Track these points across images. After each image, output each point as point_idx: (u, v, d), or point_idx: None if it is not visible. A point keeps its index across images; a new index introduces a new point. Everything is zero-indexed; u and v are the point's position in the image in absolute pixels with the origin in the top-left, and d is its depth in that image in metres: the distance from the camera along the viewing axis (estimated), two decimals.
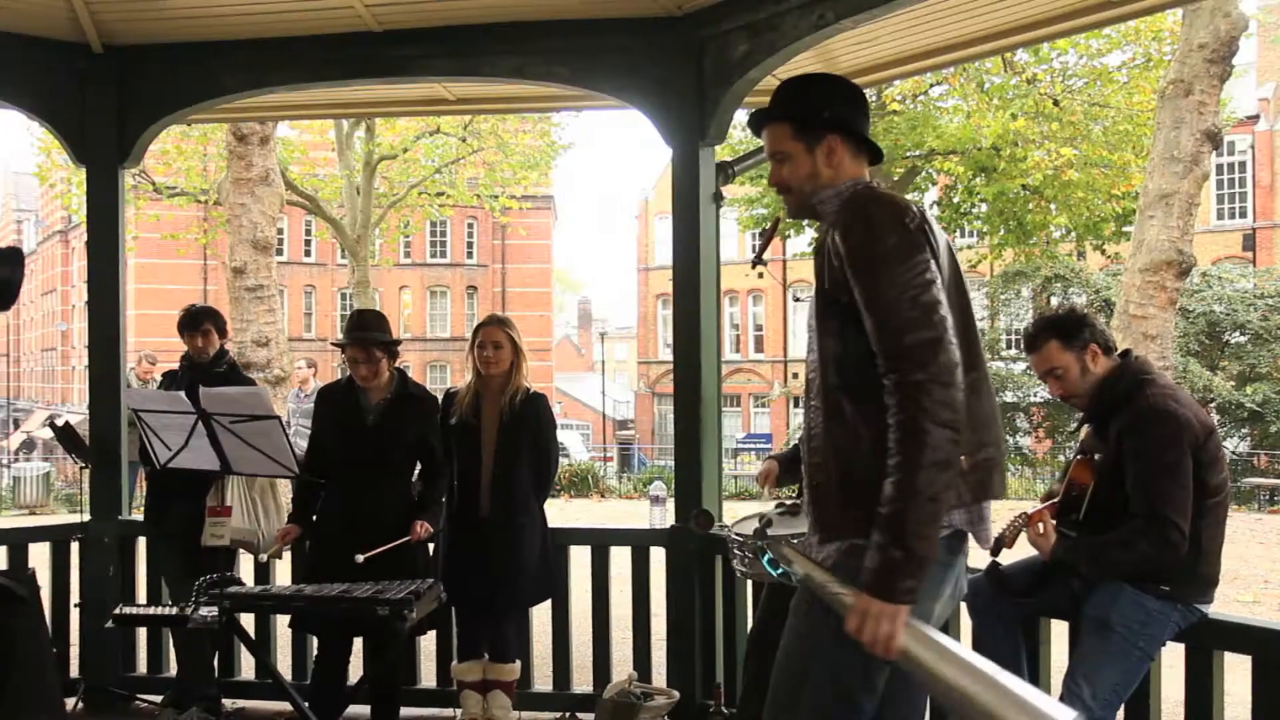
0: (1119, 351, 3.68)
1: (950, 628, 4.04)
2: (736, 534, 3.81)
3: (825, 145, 2.56)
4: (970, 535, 2.48)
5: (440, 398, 4.80)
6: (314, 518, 4.72)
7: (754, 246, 41.91)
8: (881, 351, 2.29)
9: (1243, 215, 33.24)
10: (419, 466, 4.73)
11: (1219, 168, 32.43)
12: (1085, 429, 3.79)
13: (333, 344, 4.69)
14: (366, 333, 4.55)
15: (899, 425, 2.24)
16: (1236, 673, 3.53)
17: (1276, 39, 28.06)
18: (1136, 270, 11.78)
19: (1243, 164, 33.30)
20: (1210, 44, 11.46)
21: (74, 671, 5.34)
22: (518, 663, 4.81)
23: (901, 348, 2.26)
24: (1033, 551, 3.73)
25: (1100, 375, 3.61)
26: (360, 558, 4.24)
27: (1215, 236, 32.27)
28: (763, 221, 23.54)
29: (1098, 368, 3.62)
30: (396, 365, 4.69)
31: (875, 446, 2.32)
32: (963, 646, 2.39)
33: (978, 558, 3.96)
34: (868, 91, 19.17)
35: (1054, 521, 3.64)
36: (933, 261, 2.33)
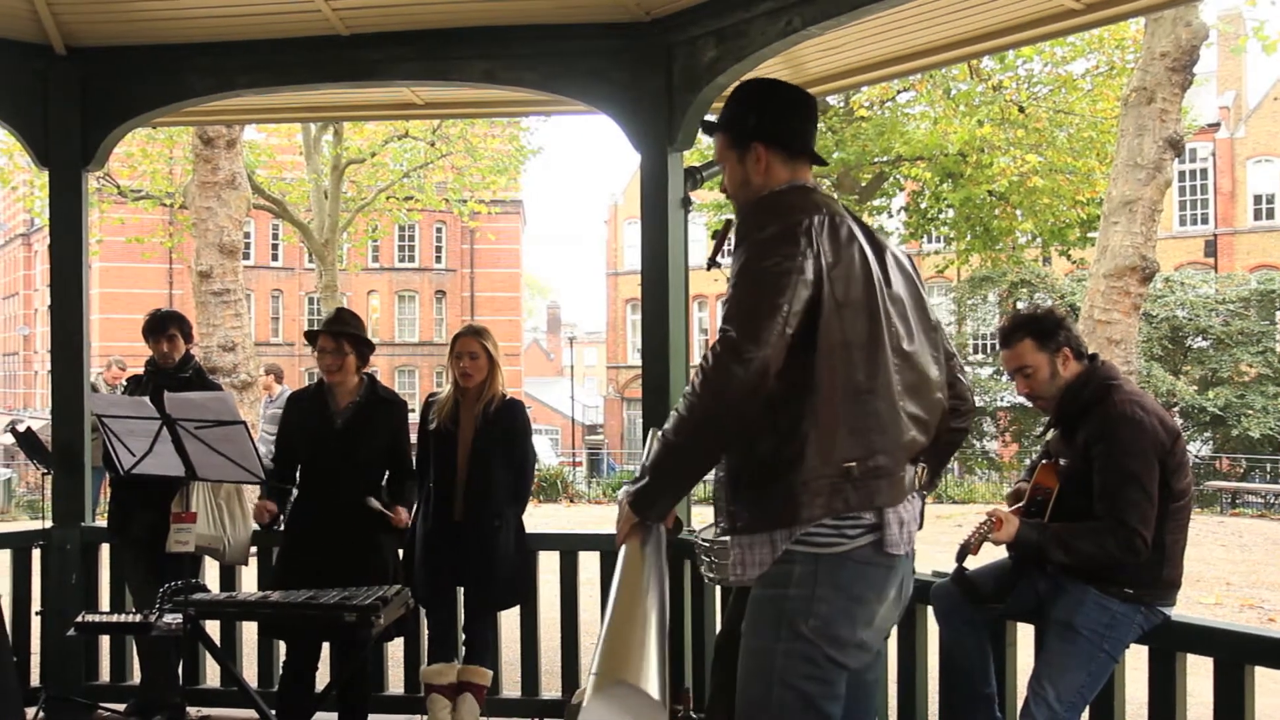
0: (1087, 356, 3.72)
1: (915, 631, 4.08)
2: (703, 539, 3.81)
3: (753, 154, 2.65)
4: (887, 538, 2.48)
5: (410, 402, 4.82)
6: (282, 519, 4.71)
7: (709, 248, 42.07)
8: (721, 316, 2.43)
9: (1204, 221, 33.70)
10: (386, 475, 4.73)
11: (1181, 174, 32.90)
12: (1051, 433, 3.82)
13: (305, 334, 4.69)
14: (340, 325, 4.59)
15: (697, 371, 2.40)
16: (1199, 674, 3.57)
17: (1236, 49, 28.45)
18: (1101, 275, 11.91)
19: (1204, 171, 33.78)
20: (1172, 53, 11.61)
21: (35, 680, 5.27)
22: (491, 672, 4.81)
23: (730, 316, 2.38)
24: (999, 555, 3.76)
25: (1067, 379, 3.65)
26: (372, 501, 4.49)
27: (1178, 242, 32.69)
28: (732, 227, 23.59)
29: (1067, 371, 3.65)
30: (365, 370, 4.68)
31: (757, 448, 2.45)
32: (656, 588, 2.50)
33: (945, 563, 4.00)
34: (835, 98, 19.35)
35: (1019, 505, 3.67)
36: (807, 261, 2.38)
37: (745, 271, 2.42)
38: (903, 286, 2.61)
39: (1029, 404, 4.05)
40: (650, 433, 3.37)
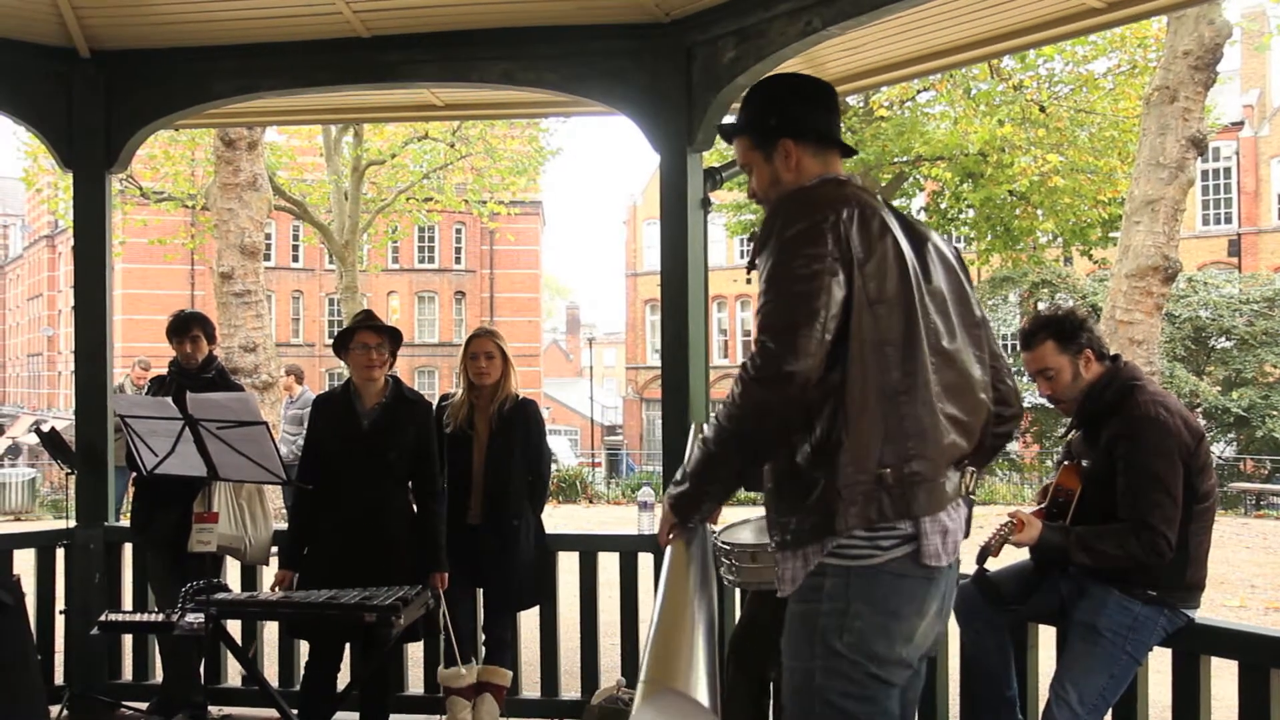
0: (1109, 357, 3.69)
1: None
2: (723, 542, 3.81)
3: (780, 150, 2.58)
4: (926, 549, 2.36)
5: (434, 404, 4.84)
6: (304, 526, 4.71)
7: (743, 252, 42.05)
8: (756, 323, 2.37)
9: (1228, 221, 33.44)
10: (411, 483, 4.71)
11: (1204, 174, 32.65)
12: (1072, 434, 3.80)
13: (340, 333, 4.67)
14: (378, 320, 4.62)
15: (736, 381, 2.34)
16: (1223, 677, 3.55)
17: (1260, 46, 28.21)
18: (1123, 276, 11.84)
19: (1228, 170, 33.51)
20: (1195, 51, 11.54)
21: (59, 679, 5.31)
22: (510, 673, 4.82)
23: (765, 326, 2.32)
24: (1020, 557, 3.74)
25: (1090, 380, 3.62)
26: None
27: (1201, 242, 32.44)
28: (750, 226, 23.57)
29: (1089, 373, 3.62)
30: (389, 372, 4.69)
31: (793, 456, 2.38)
32: (703, 590, 2.47)
33: (966, 564, 3.98)
34: (855, 98, 19.30)
35: (1041, 507, 3.65)
36: (836, 259, 2.30)
37: (775, 277, 2.34)
38: (944, 280, 2.50)
39: (1050, 405, 4.02)
40: (693, 428, 3.37)
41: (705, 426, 2.43)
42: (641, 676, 2.18)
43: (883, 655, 2.34)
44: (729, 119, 2.95)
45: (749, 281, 2.57)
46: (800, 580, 2.38)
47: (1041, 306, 25.65)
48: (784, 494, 2.43)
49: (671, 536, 2.51)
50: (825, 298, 2.27)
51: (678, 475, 2.51)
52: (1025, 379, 7.21)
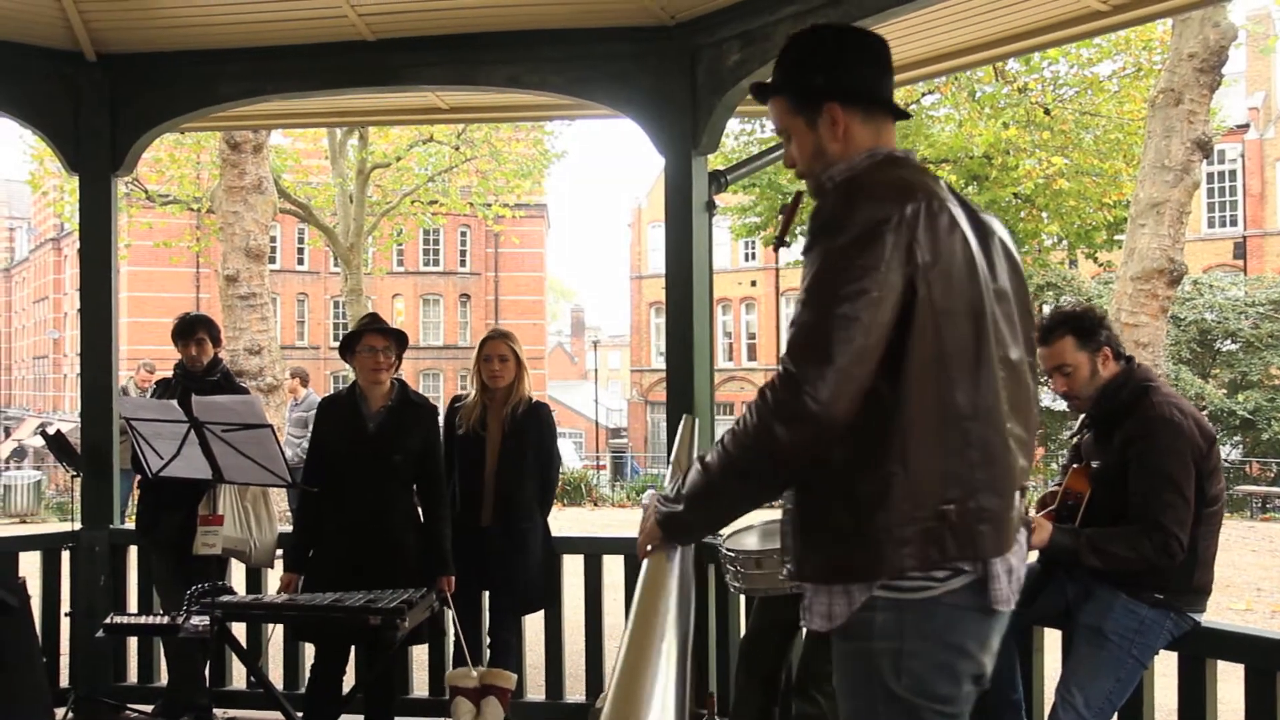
0: (1125, 357, 3.67)
1: None
2: (729, 549, 3.80)
3: (826, 117, 2.20)
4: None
5: (441, 407, 4.85)
6: (310, 529, 4.71)
7: (748, 255, 42.07)
8: (789, 336, 2.05)
9: (1233, 223, 33.40)
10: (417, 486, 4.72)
11: (1209, 176, 32.60)
12: (1079, 437, 3.78)
13: (346, 335, 4.68)
14: (385, 323, 4.62)
15: (750, 408, 2.04)
16: (1230, 681, 3.54)
17: (1265, 49, 28.17)
18: (1128, 278, 11.82)
19: (1233, 172, 33.48)
20: (1200, 54, 11.51)
21: (64, 681, 5.31)
22: (515, 676, 4.82)
23: (794, 348, 2.01)
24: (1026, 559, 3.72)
25: (1105, 380, 3.59)
26: None
27: (1206, 245, 32.41)
28: (755, 230, 23.56)
29: (1106, 371, 3.58)
30: (395, 375, 4.69)
31: (828, 485, 2.08)
32: (679, 606, 2.25)
33: None
34: None
35: (1050, 510, 3.63)
36: (894, 272, 1.97)
37: (817, 288, 2.01)
38: (1008, 278, 2.18)
39: (1058, 406, 4.00)
40: (684, 419, 3.21)
41: (711, 449, 2.13)
42: (603, 708, 2.05)
43: (946, 695, 2.08)
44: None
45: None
46: (842, 618, 2.09)
47: (1046, 310, 25.63)
48: (809, 525, 2.14)
49: (651, 549, 2.26)
50: (872, 322, 1.96)
51: (670, 490, 2.24)
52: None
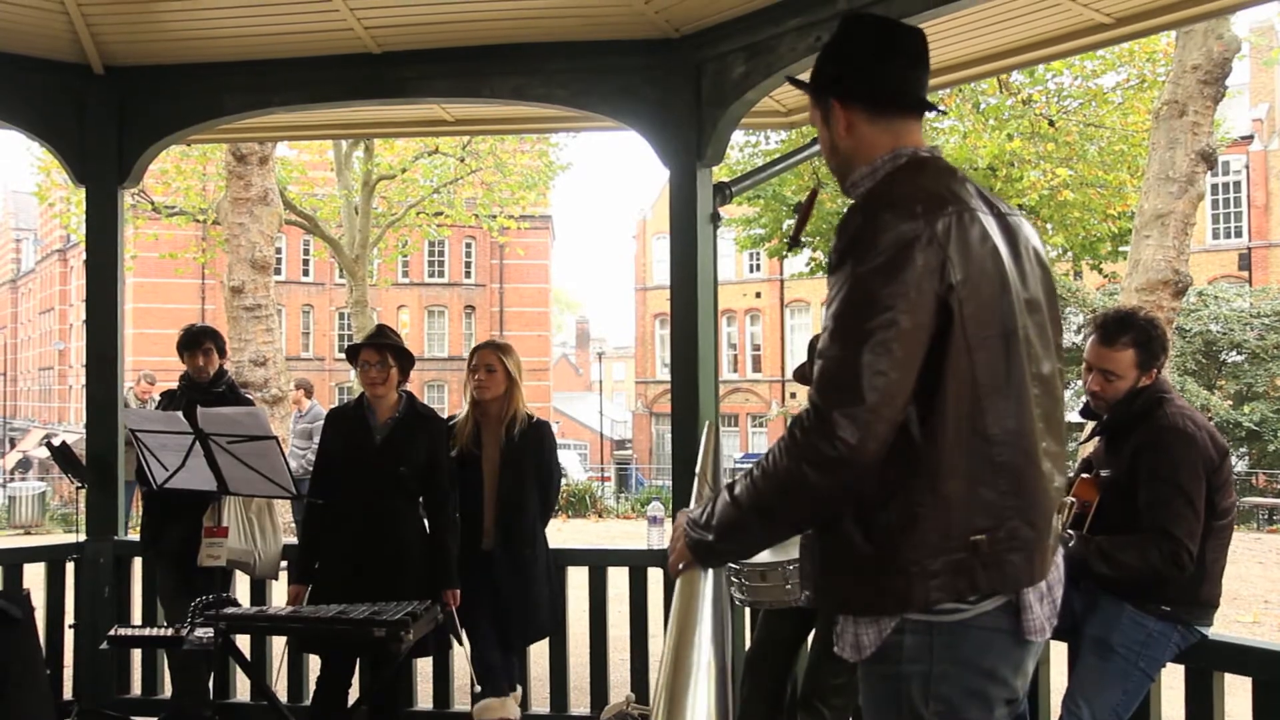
0: None
1: None
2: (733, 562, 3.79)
3: (834, 113, 2.15)
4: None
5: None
6: (315, 540, 4.69)
7: (753, 267, 42.11)
8: (816, 367, 1.98)
9: (1238, 235, 33.38)
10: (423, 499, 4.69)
11: (1214, 187, 32.60)
12: (1088, 445, 3.77)
13: (347, 349, 4.69)
14: (383, 338, 4.60)
15: (780, 446, 1.97)
16: (1237, 694, 3.52)
17: (1269, 61, 28.20)
18: (1133, 290, 11.80)
19: (1238, 184, 33.47)
20: (1204, 65, 11.52)
21: (68, 693, 5.31)
22: (518, 689, 4.79)
23: (823, 383, 1.94)
24: None
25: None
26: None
27: (1211, 256, 32.38)
28: (760, 242, 23.57)
29: (1139, 385, 3.56)
30: (403, 387, 4.69)
31: (853, 516, 2.01)
32: (714, 620, 2.16)
33: None
34: None
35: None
36: (926, 293, 1.90)
37: (844, 315, 1.92)
38: (1039, 285, 2.11)
39: (1070, 418, 3.97)
40: (705, 426, 3.17)
41: (740, 479, 2.06)
42: None
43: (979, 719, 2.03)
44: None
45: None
46: (871, 648, 2.03)
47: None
48: (832, 557, 2.07)
49: (683, 567, 2.20)
50: (904, 356, 1.88)
51: (699, 514, 2.13)
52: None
